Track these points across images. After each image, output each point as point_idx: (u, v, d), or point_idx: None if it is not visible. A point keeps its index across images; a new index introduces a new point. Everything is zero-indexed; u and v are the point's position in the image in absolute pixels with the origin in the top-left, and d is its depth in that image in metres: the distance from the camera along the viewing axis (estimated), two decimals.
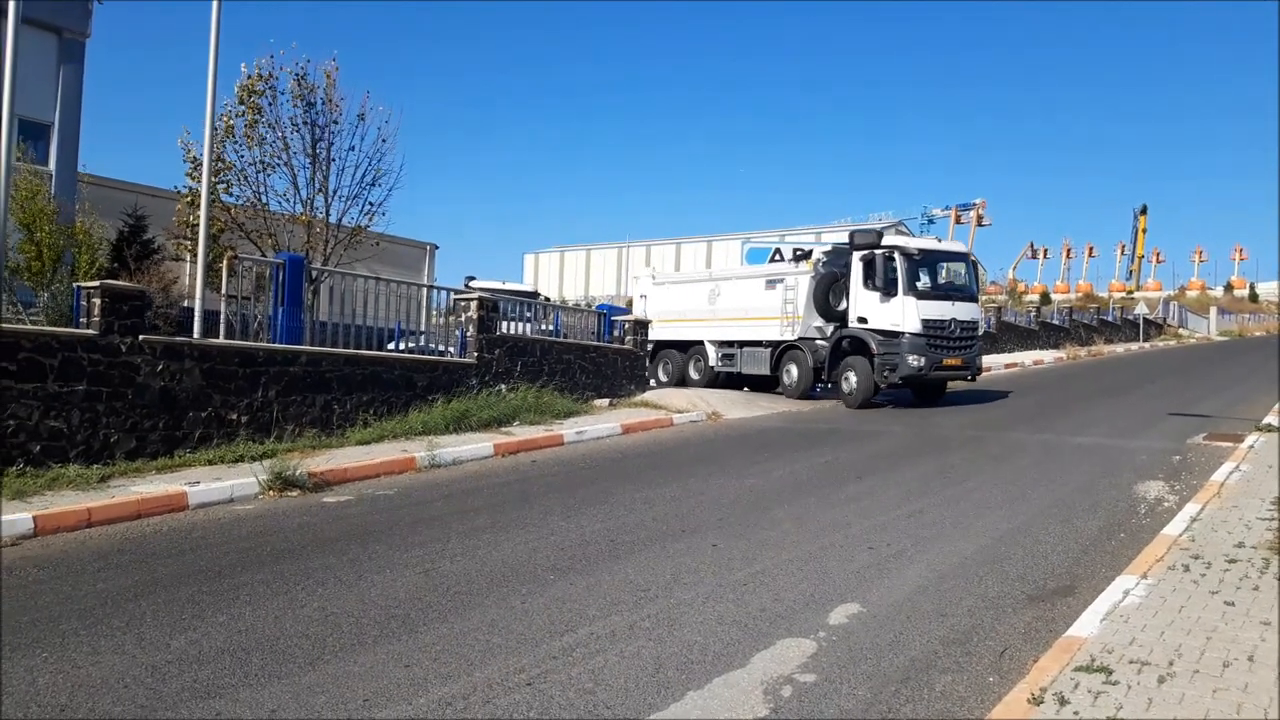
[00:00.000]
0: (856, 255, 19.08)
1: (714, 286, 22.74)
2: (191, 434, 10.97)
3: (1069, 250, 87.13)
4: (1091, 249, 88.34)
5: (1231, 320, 66.17)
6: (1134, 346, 45.61)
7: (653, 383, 23.07)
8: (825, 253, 21.18)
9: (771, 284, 21.04)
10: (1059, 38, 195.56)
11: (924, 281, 18.84)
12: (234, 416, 11.44)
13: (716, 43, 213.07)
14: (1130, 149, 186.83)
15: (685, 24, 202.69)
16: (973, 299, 19.89)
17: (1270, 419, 15.37)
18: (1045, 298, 66.08)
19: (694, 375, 22.92)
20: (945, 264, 19.76)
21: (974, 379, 20.17)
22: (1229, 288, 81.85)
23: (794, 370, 20.37)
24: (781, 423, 16.84)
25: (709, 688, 4.76)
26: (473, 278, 25.75)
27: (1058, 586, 6.64)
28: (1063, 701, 4.32)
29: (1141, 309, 53.21)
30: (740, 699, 4.64)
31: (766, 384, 21.52)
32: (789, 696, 4.68)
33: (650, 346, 23.73)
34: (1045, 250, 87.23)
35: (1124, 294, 74.10)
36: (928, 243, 21.33)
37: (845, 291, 19.48)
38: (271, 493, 9.42)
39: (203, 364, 11.13)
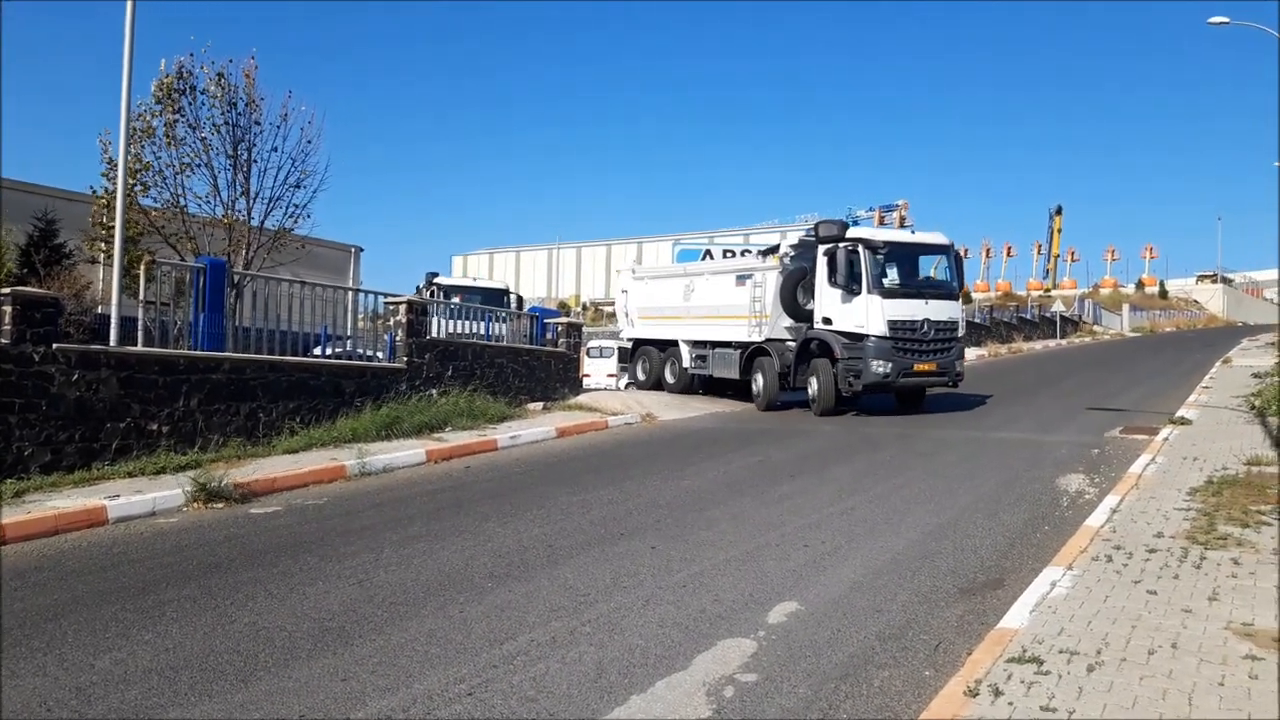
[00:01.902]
0: (821, 249, 17.26)
1: (689, 282, 20.85)
2: (110, 446, 10.62)
3: (988, 250, 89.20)
4: (1010, 249, 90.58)
5: (1143, 317, 68.45)
6: (1052, 343, 46.97)
7: (632, 383, 22.78)
8: (793, 246, 19.17)
9: (741, 280, 19.12)
10: (976, 39, 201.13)
11: (892, 278, 17.01)
12: (154, 427, 11.10)
13: (640, 45, 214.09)
14: (1046, 149, 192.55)
15: (605, 26, 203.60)
16: (951, 296, 17.75)
17: (1183, 412, 15.96)
18: (966, 297, 67.44)
19: (669, 379, 21.11)
20: (919, 257, 17.94)
21: (955, 385, 17.88)
22: (1140, 285, 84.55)
23: (760, 377, 18.51)
24: (715, 423, 16.94)
25: (652, 690, 4.77)
26: (435, 274, 25.08)
27: (987, 579, 6.80)
28: (997, 693, 4.42)
29: (1058, 307, 54.89)
30: (683, 700, 4.65)
31: (745, 389, 19.36)
32: (731, 696, 4.70)
33: (630, 344, 23.03)
34: (965, 250, 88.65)
35: (1041, 292, 76.01)
36: (898, 234, 19.76)
37: (813, 289, 17.60)
38: (196, 505, 9.16)
39: (120, 373, 10.78)
